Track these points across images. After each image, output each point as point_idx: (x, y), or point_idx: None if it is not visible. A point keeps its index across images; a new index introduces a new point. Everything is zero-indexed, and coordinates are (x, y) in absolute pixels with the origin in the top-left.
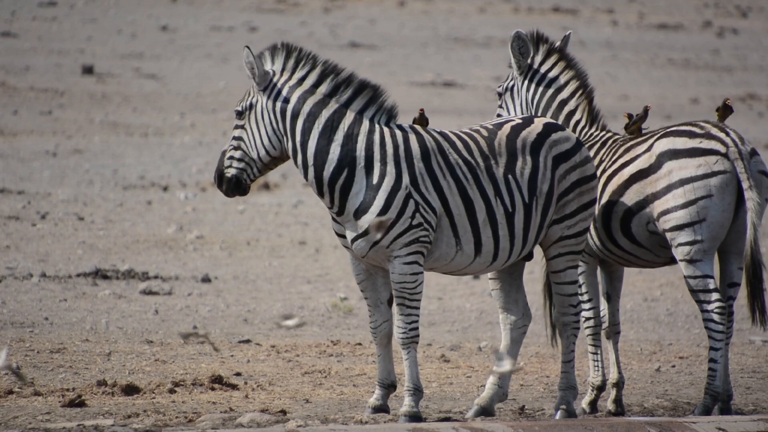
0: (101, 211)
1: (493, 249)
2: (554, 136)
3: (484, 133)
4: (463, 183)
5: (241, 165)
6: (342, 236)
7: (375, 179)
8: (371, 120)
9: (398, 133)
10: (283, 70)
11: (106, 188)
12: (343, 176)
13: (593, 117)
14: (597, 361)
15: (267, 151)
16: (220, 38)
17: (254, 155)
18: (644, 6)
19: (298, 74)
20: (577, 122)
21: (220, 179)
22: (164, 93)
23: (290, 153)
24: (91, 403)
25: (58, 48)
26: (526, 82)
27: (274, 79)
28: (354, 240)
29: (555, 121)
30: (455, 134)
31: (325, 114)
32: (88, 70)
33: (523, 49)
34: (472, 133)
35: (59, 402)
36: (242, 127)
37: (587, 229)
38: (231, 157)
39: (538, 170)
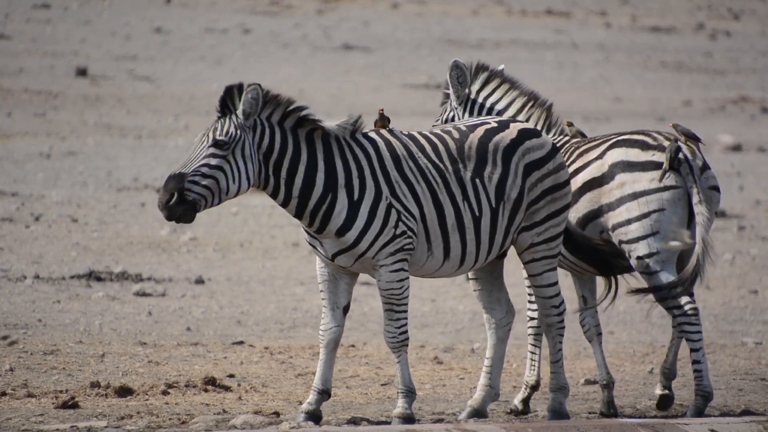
0: (95, 212)
1: (461, 253)
2: (528, 143)
3: (455, 134)
4: (434, 187)
5: (205, 192)
6: (314, 246)
7: (356, 195)
8: (339, 139)
9: (366, 142)
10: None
11: (99, 190)
12: (327, 201)
13: (549, 123)
14: (534, 360)
15: (245, 186)
16: (214, 40)
17: (232, 189)
18: (637, 8)
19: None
20: None
21: (181, 199)
22: (158, 95)
23: (270, 188)
24: (85, 405)
25: (52, 50)
26: (466, 113)
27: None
28: (336, 254)
29: (532, 127)
30: (423, 136)
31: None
32: (81, 72)
33: (461, 79)
34: (442, 134)
35: (52, 404)
36: (224, 158)
37: (560, 234)
38: (196, 183)
39: (508, 176)
